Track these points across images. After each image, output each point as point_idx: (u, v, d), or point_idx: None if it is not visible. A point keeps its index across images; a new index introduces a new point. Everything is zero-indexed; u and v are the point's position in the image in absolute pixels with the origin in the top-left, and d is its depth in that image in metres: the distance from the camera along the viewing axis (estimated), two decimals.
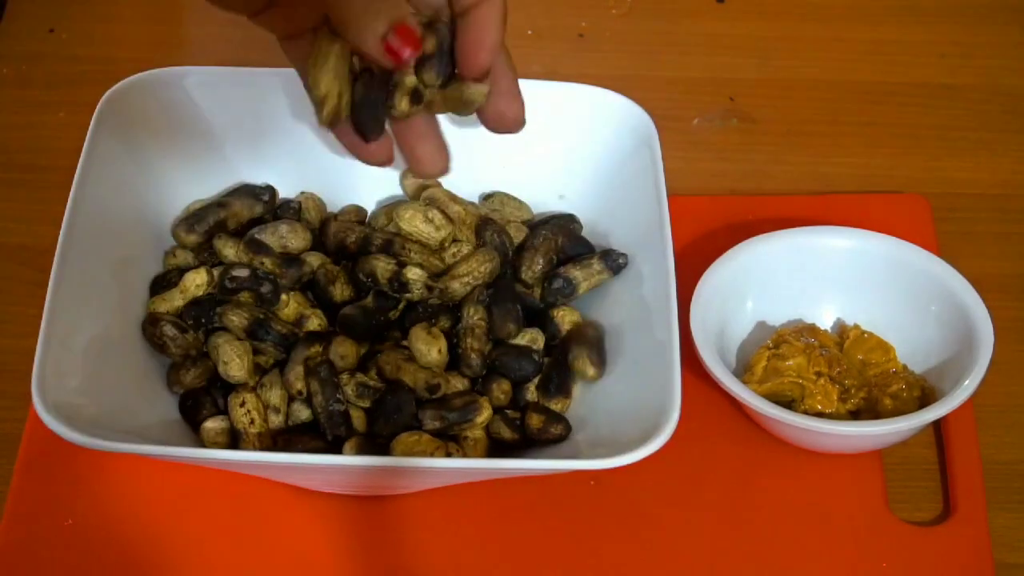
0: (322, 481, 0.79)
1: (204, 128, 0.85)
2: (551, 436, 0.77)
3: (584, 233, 0.85)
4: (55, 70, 1.02)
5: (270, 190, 0.85)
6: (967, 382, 0.78)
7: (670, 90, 1.00)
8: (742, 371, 0.83)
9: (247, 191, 0.85)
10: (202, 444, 0.76)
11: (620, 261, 0.81)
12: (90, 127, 0.80)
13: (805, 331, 0.83)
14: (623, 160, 0.84)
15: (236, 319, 0.78)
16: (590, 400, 0.78)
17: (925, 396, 0.81)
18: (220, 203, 0.83)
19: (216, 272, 0.80)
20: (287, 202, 0.86)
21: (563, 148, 0.86)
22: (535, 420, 0.77)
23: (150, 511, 0.79)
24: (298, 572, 0.78)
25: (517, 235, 0.84)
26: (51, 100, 0.99)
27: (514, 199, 0.86)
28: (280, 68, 0.75)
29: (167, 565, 0.77)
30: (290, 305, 0.80)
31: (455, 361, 0.79)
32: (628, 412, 0.75)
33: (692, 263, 0.83)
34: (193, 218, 0.82)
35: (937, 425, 0.83)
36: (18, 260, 0.90)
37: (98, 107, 0.81)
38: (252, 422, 0.76)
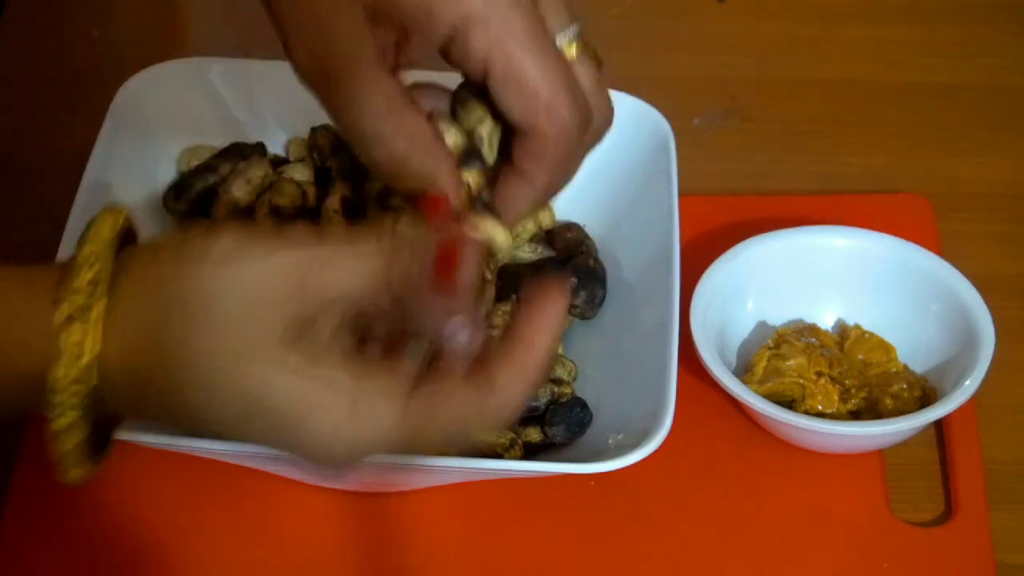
0: (317, 475, 0.79)
1: (220, 119, 0.85)
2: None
3: (591, 232, 0.85)
4: (55, 70, 1.02)
5: (260, 148, 0.84)
6: (968, 382, 0.78)
7: (670, 90, 1.00)
8: (742, 371, 0.83)
9: (236, 151, 0.84)
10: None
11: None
12: (106, 118, 0.80)
13: (806, 331, 0.83)
14: (638, 162, 0.84)
15: None
16: (589, 401, 0.78)
17: (926, 396, 0.81)
18: (209, 166, 0.83)
19: None
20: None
21: None
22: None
23: (150, 511, 0.79)
24: (298, 570, 0.78)
25: (531, 255, 0.84)
26: (51, 100, 0.99)
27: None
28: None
29: (167, 564, 0.77)
30: None
31: None
32: (626, 414, 0.75)
33: (692, 263, 0.82)
34: (181, 185, 0.82)
35: (938, 425, 0.83)
36: (18, 260, 0.90)
37: (115, 99, 0.81)
38: None
